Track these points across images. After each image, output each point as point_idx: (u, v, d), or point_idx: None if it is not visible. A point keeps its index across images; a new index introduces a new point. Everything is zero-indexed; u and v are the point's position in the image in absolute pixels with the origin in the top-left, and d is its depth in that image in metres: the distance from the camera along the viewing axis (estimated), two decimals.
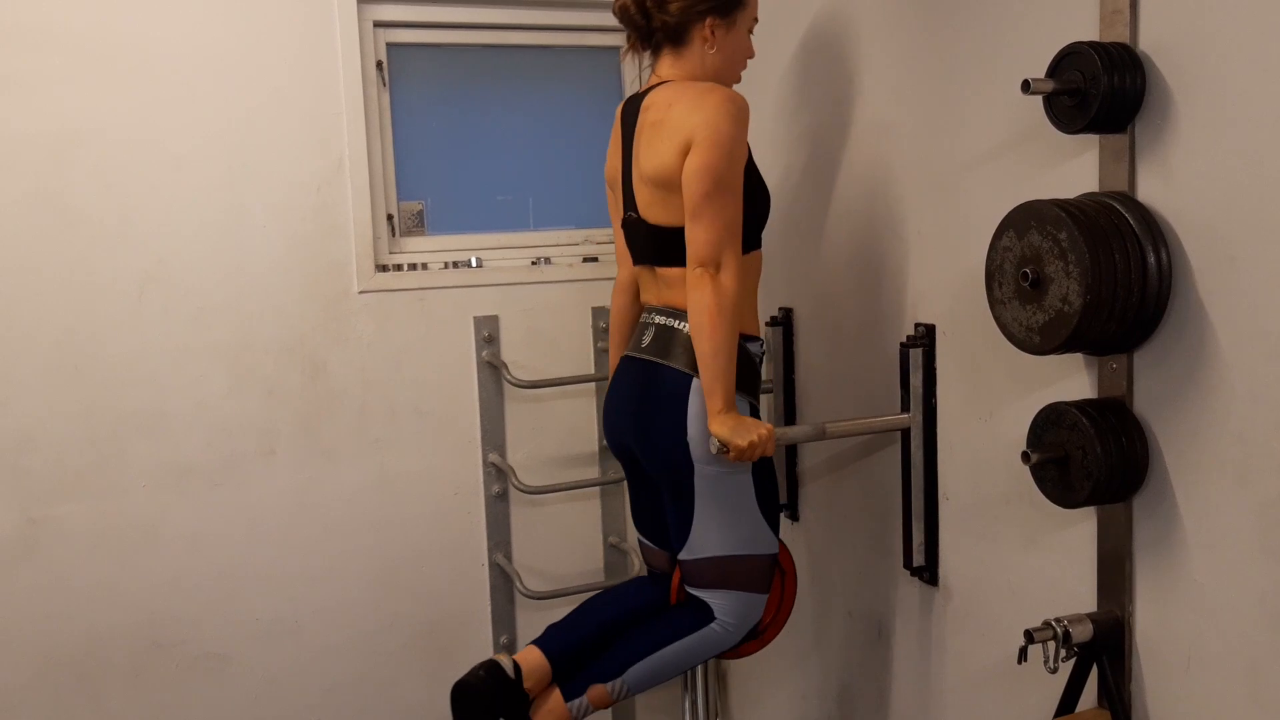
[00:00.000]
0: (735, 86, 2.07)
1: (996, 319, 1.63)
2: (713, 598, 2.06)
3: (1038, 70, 1.61)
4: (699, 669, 2.68)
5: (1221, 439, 1.45)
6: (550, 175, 2.96)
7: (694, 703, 2.70)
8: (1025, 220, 1.55)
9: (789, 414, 2.55)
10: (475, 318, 2.81)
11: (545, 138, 2.95)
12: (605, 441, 2.23)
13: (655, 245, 2.03)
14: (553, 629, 2.20)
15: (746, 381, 2.01)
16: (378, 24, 2.72)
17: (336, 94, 2.63)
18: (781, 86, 2.47)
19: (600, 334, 2.88)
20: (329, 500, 2.72)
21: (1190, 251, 1.47)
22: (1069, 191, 1.61)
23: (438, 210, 2.86)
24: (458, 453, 2.83)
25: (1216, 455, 1.46)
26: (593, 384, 2.89)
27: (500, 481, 2.86)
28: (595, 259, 2.93)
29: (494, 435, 2.85)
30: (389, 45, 2.76)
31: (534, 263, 2.90)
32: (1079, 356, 1.66)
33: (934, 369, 2.04)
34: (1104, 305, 1.47)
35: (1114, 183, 1.57)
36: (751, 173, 2.03)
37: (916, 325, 2.06)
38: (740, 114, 1.94)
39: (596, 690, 2.07)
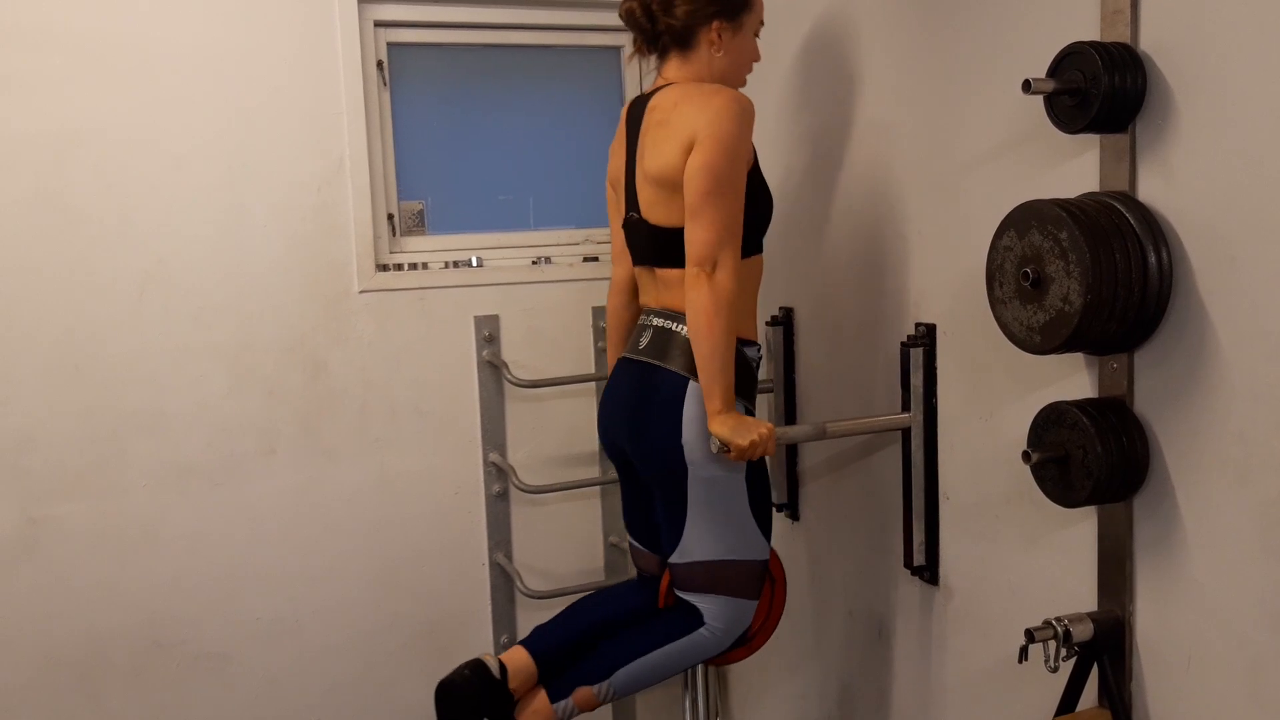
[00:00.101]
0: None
1: (997, 318, 1.63)
2: (702, 602, 2.06)
3: (1038, 70, 1.61)
4: (699, 668, 2.68)
5: (1222, 438, 1.45)
6: (551, 175, 2.97)
7: (694, 702, 2.70)
8: (1026, 220, 1.55)
9: (789, 413, 2.55)
10: (476, 317, 2.81)
11: (546, 137, 2.95)
12: (600, 442, 2.23)
13: (656, 246, 2.03)
14: (539, 630, 2.20)
15: (743, 386, 2.01)
16: (378, 23, 2.72)
17: (337, 94, 2.63)
18: (783, 86, 2.47)
19: (601, 334, 2.88)
20: (329, 500, 2.72)
21: (1191, 251, 1.47)
22: (1070, 191, 1.61)
23: (438, 210, 2.86)
24: (458, 452, 2.83)
25: (1217, 455, 1.46)
26: (593, 384, 2.89)
27: (501, 481, 2.87)
28: (596, 259, 2.93)
29: (494, 435, 2.85)
30: (389, 45, 2.76)
31: (534, 262, 2.90)
32: (1079, 356, 1.67)
33: (934, 368, 2.04)
34: (1104, 305, 1.47)
35: (1115, 182, 1.57)
36: (755, 176, 2.03)
37: (917, 325, 2.06)
38: (745, 115, 1.94)
39: (583, 692, 2.07)
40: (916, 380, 2.05)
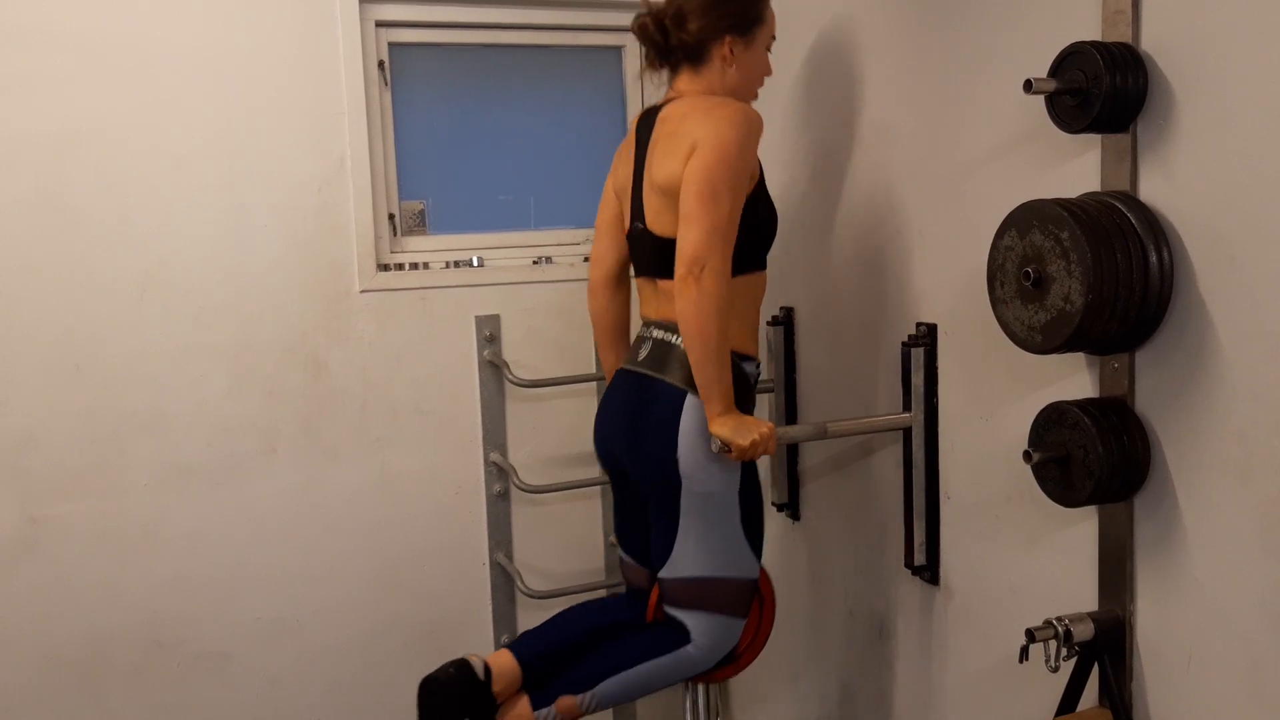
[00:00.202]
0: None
1: (998, 318, 1.63)
2: (690, 619, 2.05)
3: (1040, 70, 1.61)
4: None
5: (1223, 438, 1.45)
6: (552, 175, 2.97)
7: (695, 702, 2.70)
8: (1027, 219, 1.55)
9: (790, 413, 2.55)
10: (477, 317, 2.81)
11: (547, 137, 2.95)
12: (595, 451, 2.23)
13: (659, 257, 2.02)
14: (527, 635, 2.20)
15: (740, 402, 2.00)
16: (379, 24, 2.72)
17: (338, 94, 2.63)
18: (785, 90, 2.47)
19: None
20: (330, 500, 2.72)
21: (1192, 251, 1.48)
22: (1071, 191, 1.61)
23: (439, 210, 2.86)
24: (459, 452, 2.83)
25: (1218, 454, 1.46)
26: (594, 383, 2.89)
27: (501, 481, 2.87)
28: None
29: (495, 434, 2.85)
30: (391, 45, 2.76)
31: (535, 262, 2.90)
32: (1080, 356, 1.67)
33: (935, 368, 2.04)
34: (1106, 304, 1.47)
35: (1116, 182, 1.57)
36: (760, 193, 2.03)
37: (918, 324, 2.06)
38: (750, 126, 1.94)
39: (566, 701, 2.06)
40: (917, 380, 2.05)
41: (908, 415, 2.07)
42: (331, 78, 2.63)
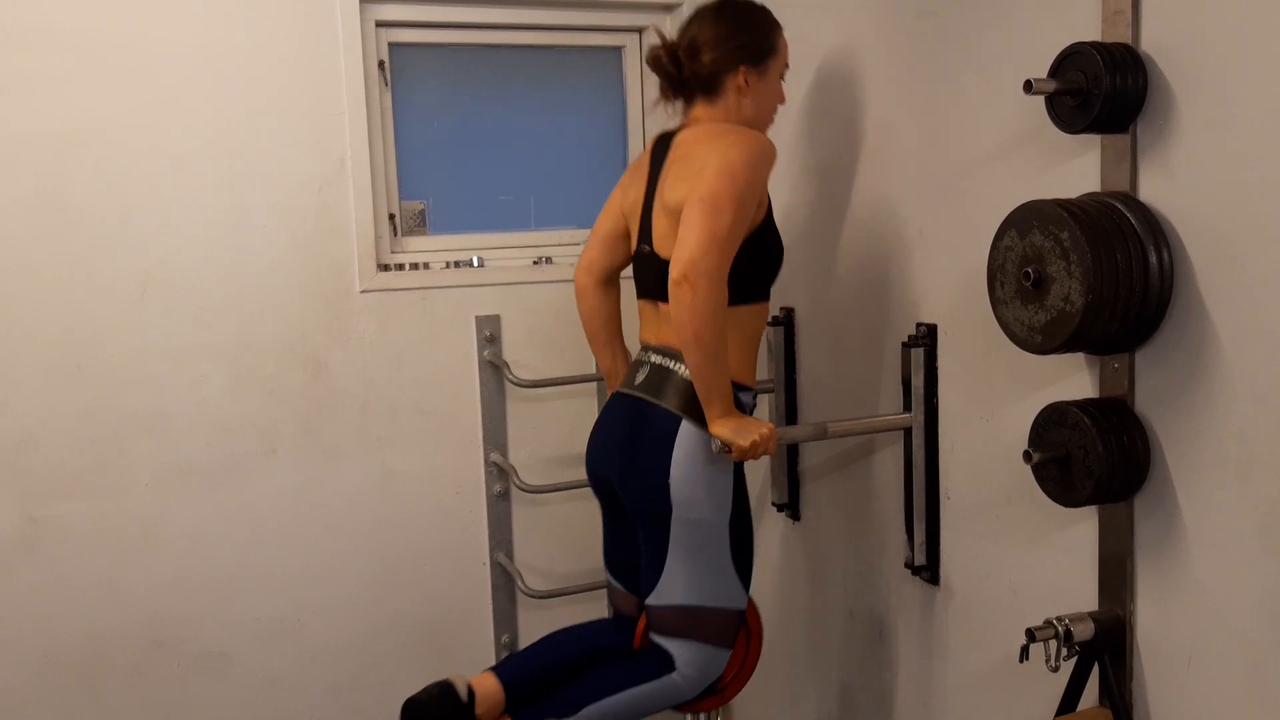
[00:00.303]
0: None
1: (998, 318, 1.63)
2: (676, 647, 2.05)
3: (1040, 70, 1.61)
4: None
5: (1223, 438, 1.45)
6: (552, 175, 2.97)
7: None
8: (1027, 220, 1.55)
9: (790, 413, 2.55)
10: (477, 317, 2.81)
11: (547, 137, 2.95)
12: (587, 473, 2.23)
13: (663, 280, 1.99)
14: (511, 658, 2.21)
15: None
16: (380, 24, 2.72)
17: (338, 94, 2.63)
18: (784, 87, 2.47)
19: None
20: (330, 500, 2.72)
21: (1192, 251, 1.48)
22: (1071, 191, 1.62)
23: (439, 210, 2.86)
24: (459, 452, 2.83)
25: (1218, 454, 1.46)
26: (594, 384, 2.89)
27: (502, 481, 2.87)
28: None
29: (496, 434, 2.85)
30: (391, 45, 2.76)
31: (536, 262, 2.90)
32: (1080, 356, 1.67)
33: (935, 368, 2.04)
34: (1106, 305, 1.47)
35: (1116, 183, 1.57)
36: (768, 224, 2.04)
37: (918, 325, 2.06)
38: (761, 151, 1.95)
39: None
40: (917, 380, 2.05)
41: (908, 415, 2.07)
42: (332, 78, 2.63)
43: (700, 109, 2.09)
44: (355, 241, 2.68)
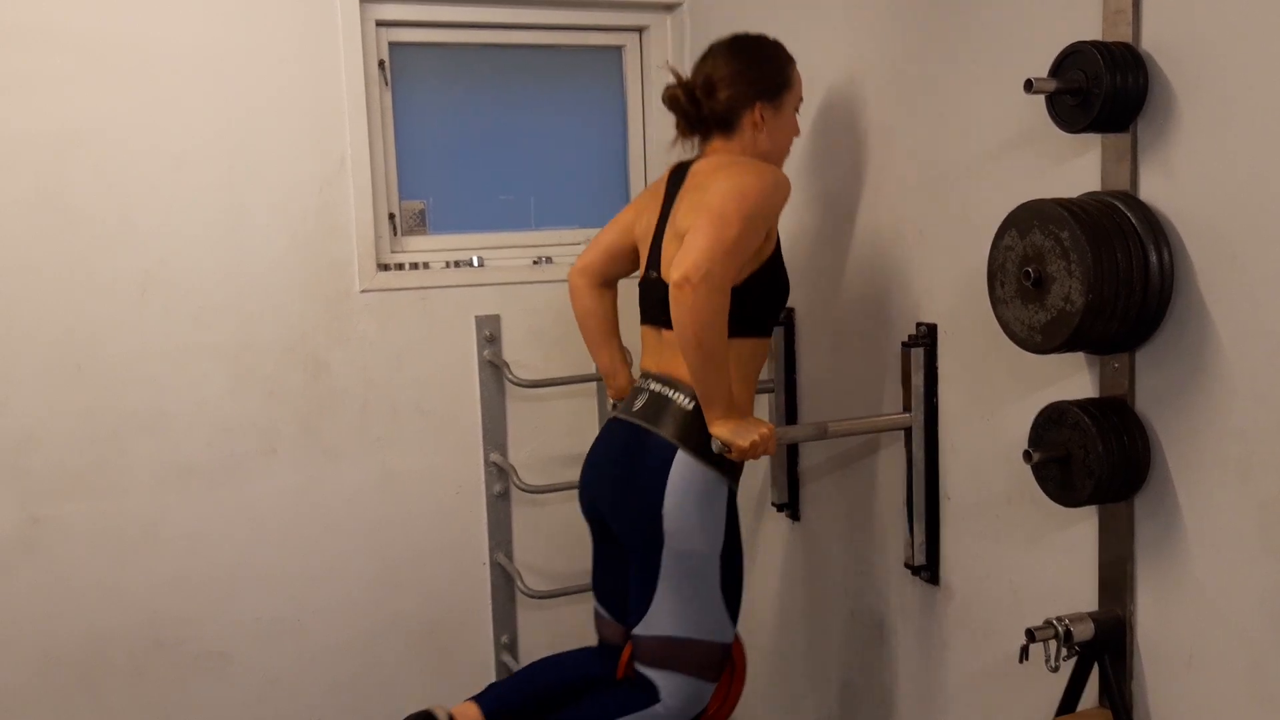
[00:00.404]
0: None
1: (998, 318, 1.63)
2: (660, 678, 2.04)
3: (1040, 70, 1.61)
4: None
5: (1223, 438, 1.45)
6: (552, 175, 2.97)
7: None
8: (1028, 219, 1.55)
9: (790, 413, 2.55)
10: (477, 317, 2.81)
11: (547, 137, 2.95)
12: (579, 500, 2.22)
13: (668, 306, 1.98)
14: (494, 688, 2.20)
15: (728, 462, 2.00)
16: (380, 23, 2.72)
17: (338, 93, 2.63)
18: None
19: None
20: (330, 499, 2.72)
21: (1192, 251, 1.48)
22: (1071, 191, 1.61)
23: (439, 209, 2.86)
24: (459, 452, 2.83)
25: (1218, 454, 1.46)
26: (594, 384, 2.88)
27: (502, 481, 2.87)
28: None
29: (495, 434, 2.85)
30: (391, 44, 2.76)
31: (535, 262, 2.90)
32: (1080, 355, 1.67)
33: (935, 368, 2.04)
34: (1106, 304, 1.47)
35: (1116, 182, 1.57)
36: (776, 260, 2.04)
37: (918, 324, 2.06)
38: (775, 182, 1.96)
39: None
40: (917, 380, 2.05)
41: (908, 415, 2.07)
42: (332, 77, 2.63)
43: (717, 143, 2.11)
44: (355, 241, 2.68)
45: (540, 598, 2.83)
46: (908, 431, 2.08)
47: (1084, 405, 1.59)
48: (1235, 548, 1.45)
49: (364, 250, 2.69)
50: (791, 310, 2.53)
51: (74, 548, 2.52)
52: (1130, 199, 1.54)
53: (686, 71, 2.14)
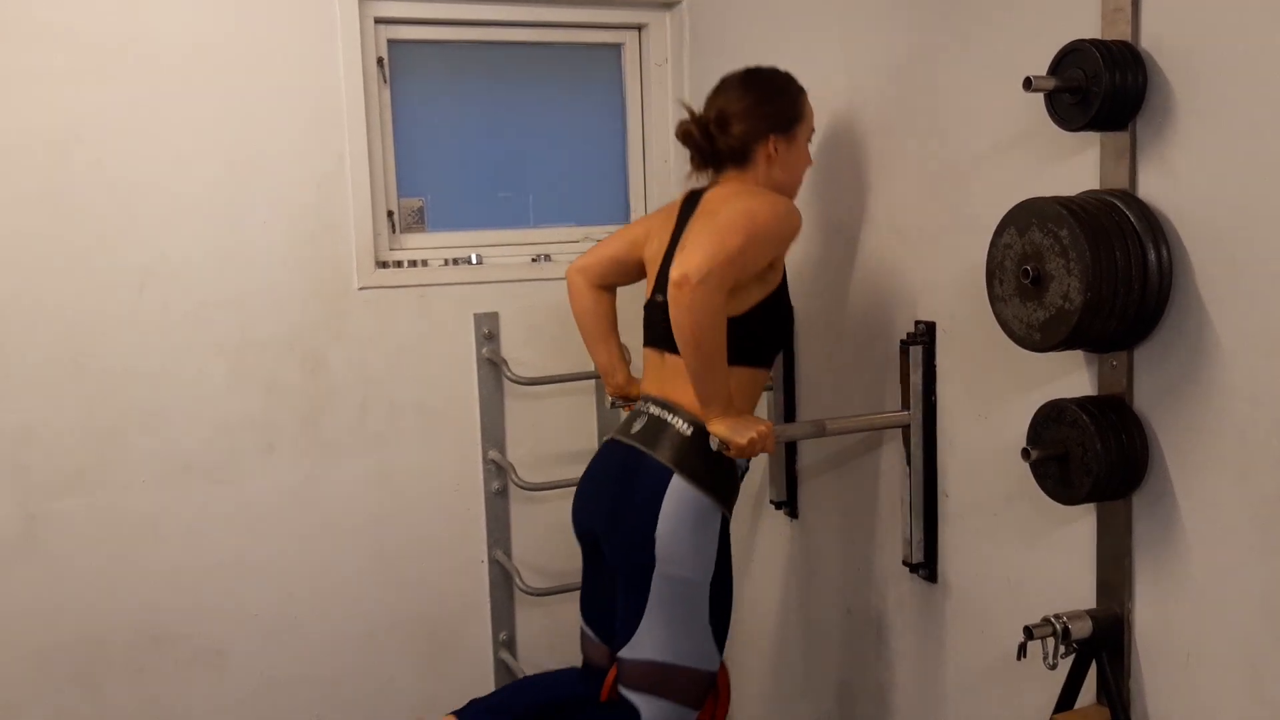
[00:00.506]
0: None
1: (997, 316, 1.63)
2: (644, 703, 2.04)
3: (1039, 68, 1.61)
4: None
5: (1221, 436, 1.45)
6: (551, 172, 2.97)
7: None
8: (1026, 217, 1.55)
9: (789, 411, 2.55)
10: (475, 314, 2.81)
11: (546, 135, 2.95)
12: (571, 520, 2.22)
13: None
14: (475, 704, 2.19)
15: (722, 489, 2.02)
16: (379, 20, 2.72)
17: (337, 91, 2.63)
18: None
19: None
20: (328, 496, 2.72)
21: (1191, 249, 1.48)
22: (1070, 189, 1.61)
23: (438, 207, 2.86)
24: (457, 449, 2.83)
25: (1216, 452, 1.46)
26: (592, 381, 2.89)
27: (500, 478, 2.87)
28: None
29: (494, 432, 2.85)
30: (390, 42, 2.76)
31: (534, 260, 2.90)
32: (1079, 354, 1.67)
33: (934, 366, 2.04)
34: (1104, 302, 1.47)
35: (1115, 180, 1.57)
36: (782, 291, 2.05)
37: (917, 323, 2.06)
38: (785, 212, 1.97)
39: None
40: (916, 378, 2.05)
41: (906, 413, 2.07)
42: (331, 75, 2.62)
43: (732, 174, 2.12)
44: (354, 238, 2.68)
45: (538, 595, 2.83)
46: (906, 429, 2.08)
47: (1082, 403, 1.59)
48: (1233, 545, 1.45)
49: (362, 247, 2.69)
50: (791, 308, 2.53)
51: (72, 544, 2.52)
52: (1129, 197, 1.54)
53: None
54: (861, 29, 2.19)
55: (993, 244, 1.62)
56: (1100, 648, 1.63)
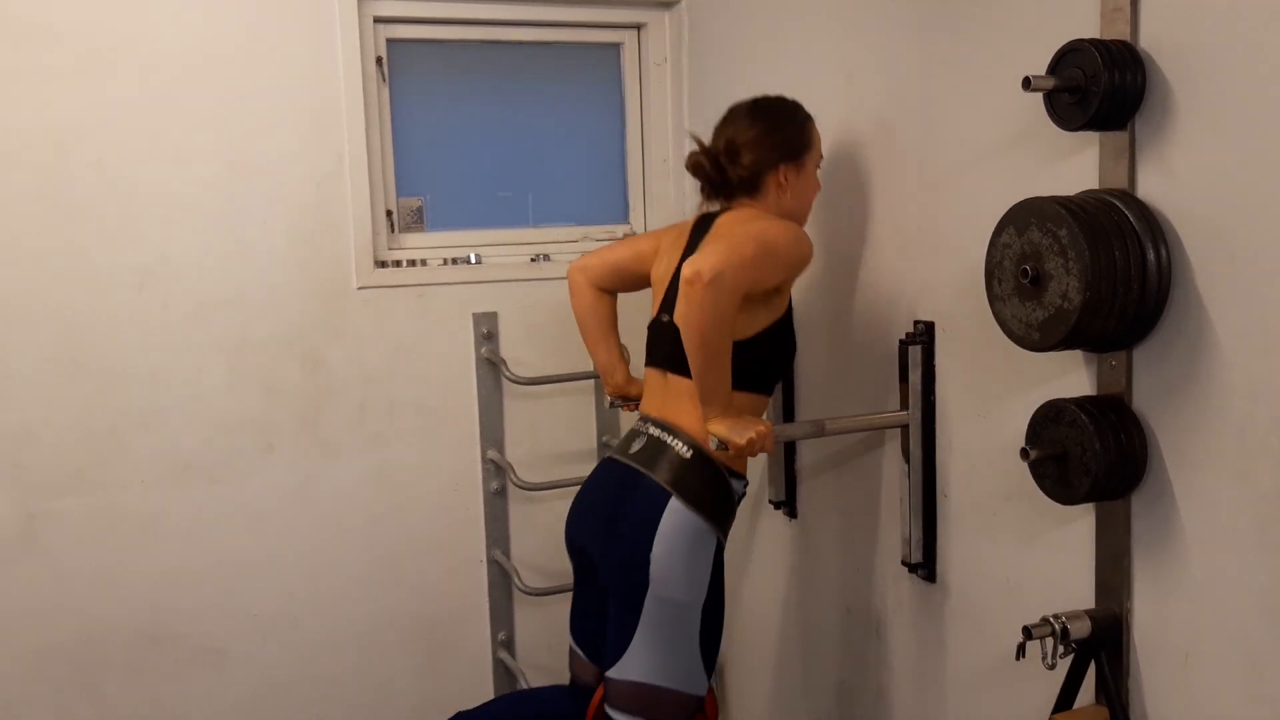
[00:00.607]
0: None
1: (996, 316, 1.63)
2: None
3: (1038, 67, 1.61)
4: None
5: (1220, 435, 1.45)
6: (550, 172, 2.97)
7: None
8: (1025, 217, 1.55)
9: (788, 410, 2.55)
10: (474, 314, 2.81)
11: (545, 134, 2.95)
12: (565, 537, 2.22)
13: (678, 350, 1.98)
14: (461, 716, 2.19)
15: (719, 514, 2.02)
16: (378, 20, 2.72)
17: (336, 90, 2.63)
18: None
19: None
20: (327, 496, 2.72)
21: (1190, 248, 1.48)
22: (1069, 188, 1.61)
23: (437, 206, 2.86)
24: (456, 449, 2.83)
25: (1215, 451, 1.46)
26: (591, 381, 2.89)
27: (499, 478, 2.87)
28: None
29: (493, 432, 2.85)
30: (389, 41, 2.76)
31: (533, 259, 2.90)
32: (1078, 353, 1.67)
33: (933, 366, 2.04)
34: (1103, 302, 1.47)
35: (1114, 180, 1.57)
36: (787, 320, 2.06)
37: (916, 322, 2.06)
38: (796, 239, 1.98)
39: None
40: (915, 378, 2.05)
41: (905, 413, 2.07)
42: (330, 74, 2.62)
43: (743, 202, 2.12)
44: (353, 238, 2.68)
45: (537, 595, 2.83)
46: (905, 429, 2.08)
47: (1081, 403, 1.59)
48: (1232, 545, 1.45)
49: (361, 247, 2.69)
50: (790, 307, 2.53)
51: (71, 543, 2.52)
52: (1128, 197, 1.54)
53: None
54: (861, 28, 2.19)
55: (992, 244, 1.62)
56: (1099, 647, 1.63)
